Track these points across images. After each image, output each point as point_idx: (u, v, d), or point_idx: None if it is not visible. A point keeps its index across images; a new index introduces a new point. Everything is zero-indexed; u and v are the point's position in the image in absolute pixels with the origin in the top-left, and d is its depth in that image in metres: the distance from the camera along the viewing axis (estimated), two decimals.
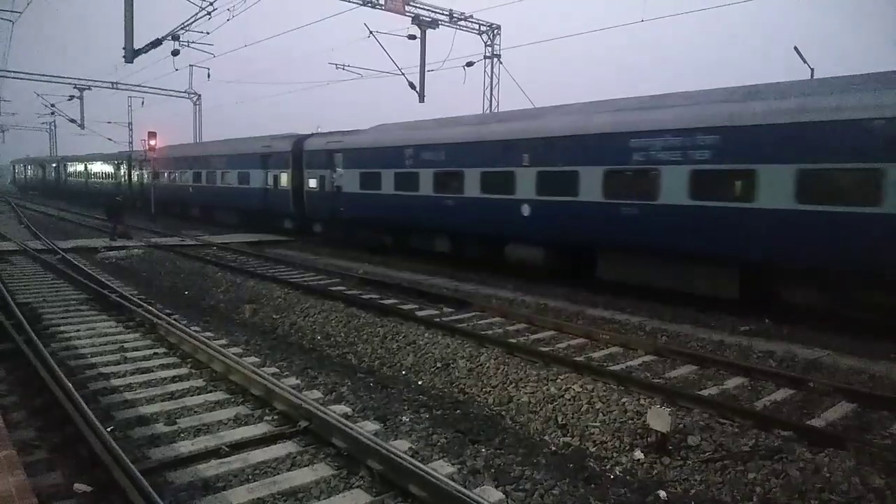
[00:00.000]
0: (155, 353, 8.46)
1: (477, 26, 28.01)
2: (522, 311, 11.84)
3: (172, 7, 22.74)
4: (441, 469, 5.10)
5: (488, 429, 6.65)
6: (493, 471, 5.46)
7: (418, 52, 26.87)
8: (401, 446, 5.52)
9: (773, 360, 8.93)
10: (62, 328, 9.63)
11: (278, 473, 5.06)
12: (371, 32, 24.84)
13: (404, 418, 6.68)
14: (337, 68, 28.62)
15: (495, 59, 28.44)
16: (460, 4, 27.68)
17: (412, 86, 27.24)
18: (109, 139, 51.44)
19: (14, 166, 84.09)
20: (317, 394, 7.13)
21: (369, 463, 5.06)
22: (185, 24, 22.47)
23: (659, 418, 5.81)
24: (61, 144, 75.44)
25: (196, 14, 21.35)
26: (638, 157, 12.59)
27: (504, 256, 15.76)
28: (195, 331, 9.53)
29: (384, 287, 14.03)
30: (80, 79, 44.60)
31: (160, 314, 10.22)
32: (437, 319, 10.91)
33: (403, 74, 26.86)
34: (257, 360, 8.45)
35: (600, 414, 6.64)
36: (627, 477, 5.60)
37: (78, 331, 9.54)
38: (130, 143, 55.10)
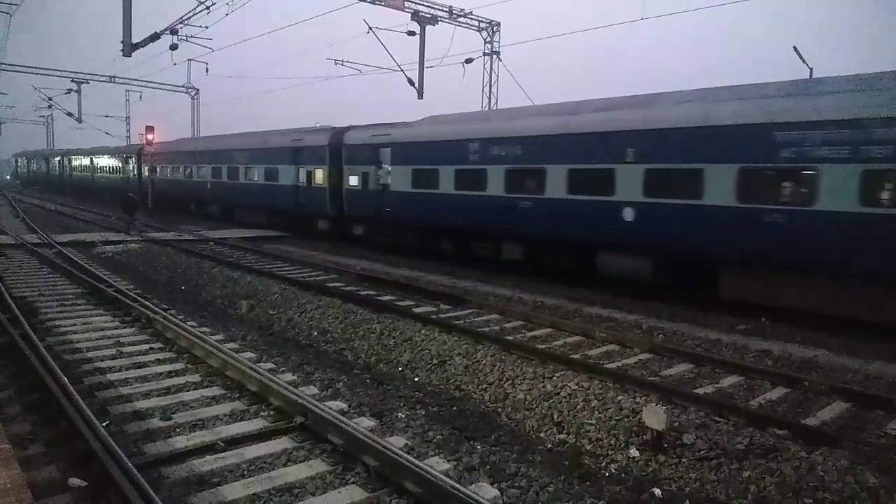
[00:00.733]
0: (151, 349, 8.45)
1: (476, 23, 27.95)
2: (519, 308, 11.85)
3: (171, 1, 22.66)
4: (437, 465, 5.10)
5: (484, 426, 6.66)
6: (488, 468, 5.47)
7: (417, 48, 26.81)
8: (396, 443, 5.53)
9: (768, 359, 8.95)
10: (58, 322, 9.61)
11: (274, 469, 5.06)
12: (370, 28, 24.77)
13: (400, 415, 6.68)
14: (336, 64, 28.58)
15: (495, 56, 28.39)
16: (460, 1, 27.65)
17: (411, 82, 27.19)
18: (107, 133, 51.34)
19: (16, 160, 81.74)
20: (313, 390, 7.13)
21: (365, 459, 5.06)
22: (184, 18, 22.40)
23: (654, 416, 5.82)
24: (58, 138, 75.31)
25: (195, 8, 21.30)
26: (788, 154, 10.45)
27: (594, 267, 13.74)
28: (191, 326, 9.52)
29: (381, 283, 14.03)
30: (77, 72, 44.51)
31: (157, 309, 10.20)
32: (434, 316, 10.91)
33: (402, 71, 26.82)
34: (253, 355, 8.44)
35: (596, 412, 6.65)
36: (623, 474, 5.61)
37: (74, 325, 9.52)
38: (128, 137, 54.99)
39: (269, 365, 8.02)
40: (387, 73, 27.69)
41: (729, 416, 6.58)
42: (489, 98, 28.47)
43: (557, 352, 8.94)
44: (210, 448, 5.34)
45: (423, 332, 9.69)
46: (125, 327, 9.58)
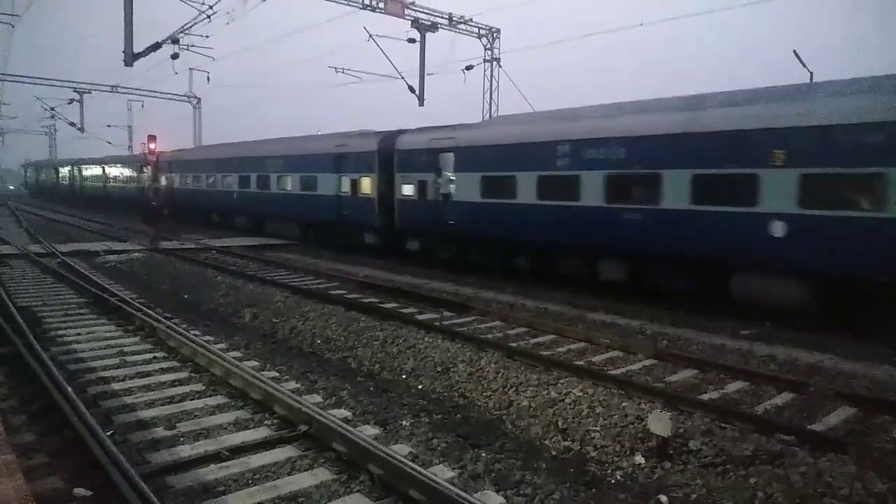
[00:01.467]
0: (154, 357, 8.45)
1: (476, 30, 28.07)
2: (523, 314, 11.83)
3: (172, 10, 22.79)
4: (441, 473, 5.08)
5: (488, 433, 6.64)
6: (493, 475, 5.45)
7: (418, 55, 26.92)
8: (401, 450, 5.51)
9: (774, 364, 8.92)
10: (62, 332, 9.62)
11: (278, 478, 5.04)
12: (371, 36, 24.88)
13: (404, 422, 6.66)
14: (336, 72, 28.68)
15: (495, 63, 28.50)
16: (460, 8, 27.77)
17: (412, 89, 27.28)
18: (109, 143, 51.53)
19: (25, 170, 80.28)
20: (317, 398, 7.12)
21: (369, 467, 5.05)
22: (185, 27, 22.53)
23: (660, 422, 5.80)
24: (60, 148, 75.55)
25: (196, 17, 21.41)
26: None
27: (728, 290, 11.73)
28: (195, 335, 9.52)
29: (384, 291, 14.02)
30: (79, 82, 44.74)
31: (160, 318, 10.21)
32: (438, 323, 10.90)
33: (403, 78, 26.91)
34: (257, 363, 8.43)
35: (601, 418, 6.62)
36: (628, 482, 5.59)
37: (78, 334, 9.53)
38: (130, 146, 55.15)
39: (273, 373, 8.01)
40: (387, 80, 27.81)
41: (734, 421, 6.55)
42: (489, 104, 28.55)
43: (561, 358, 8.91)
44: (214, 457, 5.33)
45: (426, 339, 9.68)
46: (128, 336, 9.58)
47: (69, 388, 6.39)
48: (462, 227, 17.03)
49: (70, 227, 29.94)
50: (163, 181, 33.96)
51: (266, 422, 6.21)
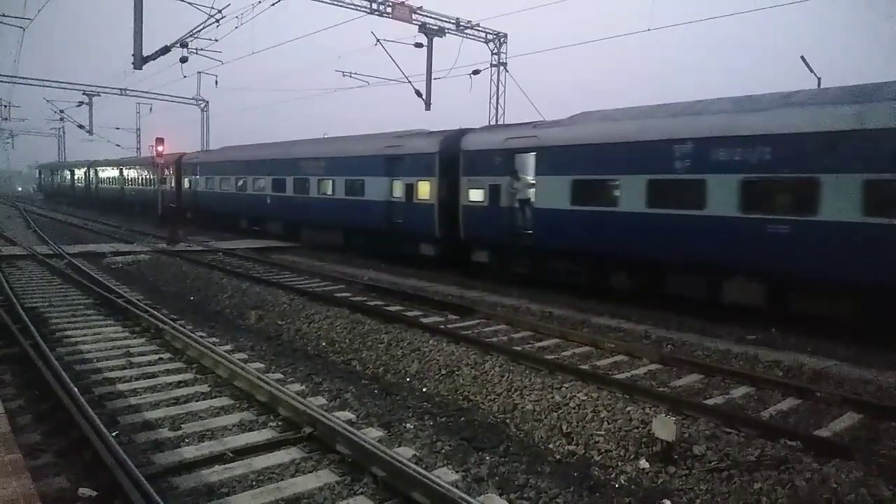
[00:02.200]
0: (160, 359, 8.49)
1: (483, 35, 28.09)
2: (527, 318, 11.82)
3: (181, 14, 22.93)
4: (445, 476, 5.08)
5: (492, 436, 6.63)
6: (497, 479, 5.44)
7: (425, 60, 26.98)
8: (405, 453, 5.52)
9: (779, 370, 8.88)
10: (68, 332, 9.67)
11: (282, 479, 5.06)
12: (378, 40, 24.93)
13: (408, 425, 6.67)
14: (344, 76, 28.75)
15: (502, 68, 28.51)
16: (467, 13, 27.86)
17: (418, 93, 27.31)
18: (118, 145, 51.82)
19: (39, 171, 77.01)
20: (321, 400, 7.13)
21: (373, 469, 5.06)
22: (194, 31, 22.64)
23: (664, 427, 5.78)
24: (69, 150, 76.04)
25: (205, 21, 21.52)
26: None
27: None
28: (200, 336, 9.56)
29: (389, 294, 14.04)
30: (89, 85, 44.98)
31: (166, 319, 10.26)
32: (442, 326, 10.90)
33: (410, 82, 26.95)
34: (262, 365, 8.45)
35: (605, 422, 6.61)
36: (632, 486, 5.57)
37: (84, 335, 9.58)
38: (138, 149, 55.42)
39: (278, 375, 8.03)
40: (394, 84, 27.88)
41: (740, 427, 6.52)
42: (496, 109, 28.56)
43: (566, 362, 8.90)
44: (219, 458, 5.35)
45: (431, 342, 9.68)
46: (135, 337, 9.63)
47: (75, 389, 6.44)
48: (543, 238, 15.02)
49: (80, 230, 30.12)
50: (186, 184, 33.26)
51: (270, 423, 6.23)
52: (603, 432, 6.43)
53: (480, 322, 11.56)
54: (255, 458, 5.39)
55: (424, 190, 18.26)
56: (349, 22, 23.14)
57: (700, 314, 12.05)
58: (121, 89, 44.68)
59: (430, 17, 26.17)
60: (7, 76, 42.04)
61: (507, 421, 7.03)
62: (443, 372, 8.48)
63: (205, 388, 7.31)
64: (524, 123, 16.51)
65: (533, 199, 15.38)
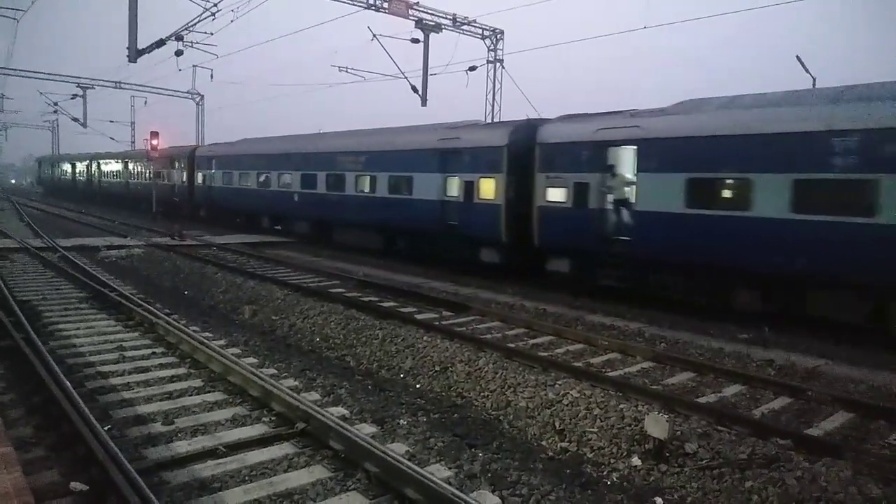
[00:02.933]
0: (154, 353, 8.46)
1: (480, 31, 28.07)
2: (522, 315, 11.84)
3: (177, 8, 22.80)
4: (438, 473, 5.09)
5: (486, 433, 6.65)
6: (489, 475, 5.46)
7: (421, 55, 26.93)
8: (398, 449, 5.52)
9: (771, 369, 8.93)
10: (61, 326, 9.63)
11: (275, 475, 5.06)
12: (374, 36, 24.88)
13: (402, 421, 6.67)
14: (340, 71, 28.67)
15: (498, 64, 28.49)
16: (464, 9, 27.79)
17: (415, 89, 27.28)
18: (112, 138, 51.60)
19: (39, 164, 74.38)
20: (315, 395, 7.13)
21: (366, 465, 5.06)
22: (189, 24, 22.56)
23: (657, 425, 5.81)
24: (63, 143, 75.63)
25: (200, 15, 21.45)
26: None
27: None
28: (194, 331, 9.53)
29: (384, 290, 14.03)
30: (83, 77, 44.74)
31: (159, 314, 10.22)
32: (437, 323, 10.91)
33: (406, 78, 26.91)
34: (256, 361, 8.44)
35: (598, 420, 6.63)
36: (624, 483, 5.60)
37: (77, 329, 9.54)
38: (133, 142, 55.20)
39: (272, 370, 8.02)
40: (390, 80, 27.83)
41: (731, 425, 6.56)
42: (492, 105, 28.55)
43: (559, 359, 8.92)
44: (211, 453, 5.34)
45: (425, 338, 9.69)
46: (128, 331, 9.59)
47: (67, 383, 6.41)
48: (644, 246, 12.86)
49: (73, 223, 29.97)
50: (199, 178, 31.43)
51: (264, 419, 6.23)
52: (596, 429, 6.45)
53: (475, 319, 11.57)
54: (248, 454, 5.38)
55: (488, 188, 16.09)
56: (345, 17, 23.10)
57: (693, 313, 12.10)
58: (115, 82, 44.50)
59: (427, 13, 26.12)
60: (0, 68, 41.83)
61: (501, 418, 7.04)
62: (437, 368, 8.49)
63: (198, 382, 7.30)
64: (615, 112, 14.33)
65: (632, 200, 13.35)
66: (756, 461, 5.66)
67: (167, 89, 46.97)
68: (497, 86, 28.54)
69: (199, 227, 27.64)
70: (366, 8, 24.29)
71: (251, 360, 8.40)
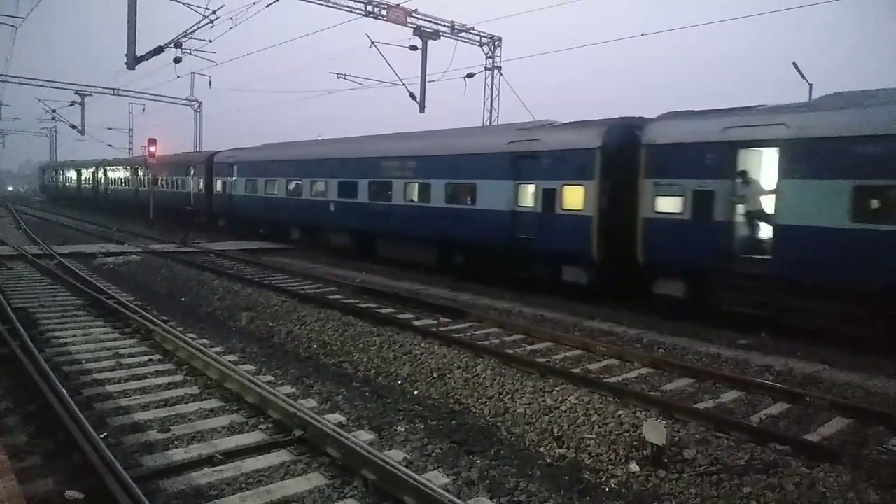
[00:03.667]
0: (150, 360, 8.43)
1: (478, 38, 28.19)
2: (520, 322, 11.83)
3: (175, 15, 22.87)
4: (436, 480, 5.08)
5: (483, 440, 6.63)
6: (487, 482, 5.44)
7: (419, 62, 27.03)
8: (395, 456, 5.50)
9: (769, 374, 8.92)
10: (57, 333, 9.59)
11: (272, 482, 5.03)
12: (373, 43, 24.97)
13: (399, 428, 6.65)
14: (338, 78, 28.79)
15: (496, 71, 28.60)
16: (462, 16, 27.93)
17: (413, 96, 27.36)
18: (110, 145, 51.62)
19: (44, 171, 71.54)
20: (312, 402, 7.11)
21: (364, 473, 5.04)
22: (188, 31, 22.60)
23: (655, 431, 5.80)
24: (61, 150, 75.61)
25: (198, 22, 21.49)
26: None
27: None
28: (191, 338, 9.51)
29: (381, 296, 14.01)
30: (81, 84, 44.84)
31: (156, 321, 10.19)
32: (434, 329, 10.89)
33: (404, 85, 26.99)
34: (253, 367, 8.42)
35: (596, 426, 6.62)
36: (623, 490, 5.58)
37: (73, 336, 9.51)
38: (130, 149, 55.21)
39: (269, 377, 8.00)
40: (388, 87, 27.90)
41: (730, 431, 6.55)
42: (490, 112, 28.64)
43: (557, 366, 8.91)
44: (208, 461, 5.31)
45: (422, 345, 9.67)
46: (124, 339, 9.56)
47: (63, 390, 6.39)
48: (790, 266, 10.92)
49: (70, 230, 29.91)
50: (218, 186, 29.49)
51: (261, 426, 6.20)
52: (594, 436, 6.44)
53: (472, 325, 11.56)
54: (245, 461, 5.36)
55: (575, 197, 14.01)
56: (344, 24, 23.17)
57: (691, 319, 12.10)
58: (113, 89, 44.58)
59: (425, 20, 26.25)
60: None
61: (499, 424, 7.03)
62: (434, 375, 8.48)
63: (195, 390, 7.27)
64: (744, 108, 12.30)
65: (772, 212, 11.43)
66: (754, 467, 5.65)
67: (165, 96, 47.13)
68: (495, 92, 28.65)
69: (224, 237, 27.04)
70: (364, 15, 24.40)
71: (248, 367, 8.38)
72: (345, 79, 28.82)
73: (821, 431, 6.79)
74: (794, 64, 18.57)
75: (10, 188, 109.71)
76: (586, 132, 14.11)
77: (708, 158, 11.92)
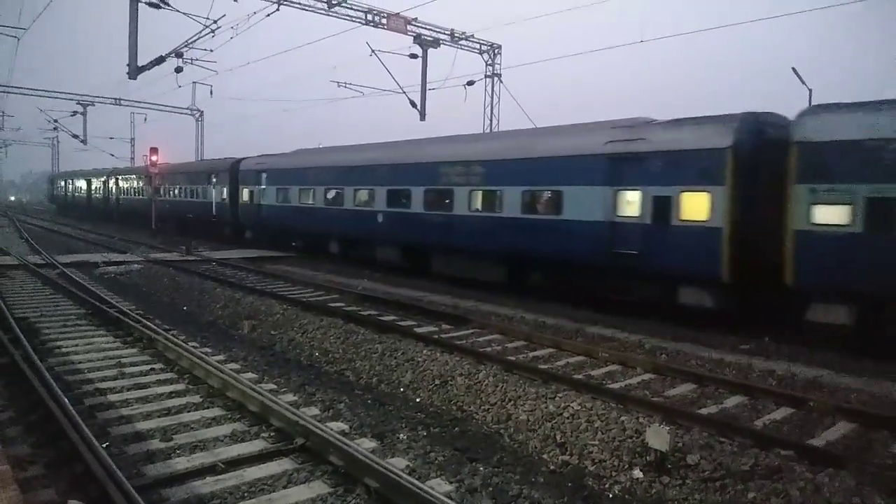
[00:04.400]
0: (152, 369, 8.43)
1: (478, 46, 28.31)
2: (522, 328, 11.81)
3: (177, 25, 22.99)
4: (438, 487, 5.06)
5: (486, 447, 6.61)
6: (490, 489, 5.42)
7: (420, 70, 27.13)
8: (398, 464, 5.48)
9: (773, 379, 8.89)
10: (60, 343, 9.60)
11: (274, 491, 5.02)
12: (373, 51, 25.06)
13: (402, 436, 6.64)
14: (339, 86, 28.86)
15: (496, 79, 28.70)
16: (462, 24, 28.07)
17: (413, 104, 27.45)
18: (112, 155, 51.78)
19: (52, 181, 69.96)
20: (314, 410, 7.09)
21: (366, 480, 5.02)
22: (189, 41, 22.73)
23: (658, 437, 5.78)
24: (63, 160, 75.82)
25: (200, 32, 21.60)
26: None
27: None
28: (193, 346, 9.51)
29: (383, 303, 14.00)
30: (83, 94, 45.04)
31: (158, 329, 10.19)
32: (436, 336, 10.87)
33: (405, 93, 27.07)
34: (255, 376, 8.41)
35: (599, 432, 6.60)
36: (626, 496, 5.56)
37: (76, 346, 9.51)
38: (132, 159, 55.40)
39: (271, 385, 7.99)
40: (388, 95, 28.00)
41: (733, 436, 6.53)
42: (490, 119, 28.71)
43: (560, 372, 8.89)
44: (210, 469, 5.30)
45: (424, 352, 9.66)
46: (126, 348, 9.57)
47: (66, 400, 6.38)
48: None
49: (72, 240, 29.95)
50: (244, 195, 27.38)
51: (263, 434, 6.19)
52: (597, 442, 6.42)
53: (474, 332, 11.54)
54: (247, 470, 5.34)
55: (697, 205, 11.93)
56: (344, 33, 23.28)
57: (694, 324, 12.07)
58: (115, 99, 44.81)
59: (425, 29, 26.36)
60: (1, 85, 42.11)
61: (501, 431, 7.01)
62: (436, 382, 8.46)
63: (197, 398, 7.26)
64: None
65: None
66: (758, 472, 5.63)
67: (167, 105, 47.33)
68: (495, 100, 28.74)
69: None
70: (365, 24, 24.52)
71: (250, 375, 8.37)
72: (345, 87, 28.92)
73: (825, 436, 6.77)
74: (794, 69, 18.63)
75: (13, 198, 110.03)
76: (711, 129, 12.02)
77: (888, 159, 9.90)
